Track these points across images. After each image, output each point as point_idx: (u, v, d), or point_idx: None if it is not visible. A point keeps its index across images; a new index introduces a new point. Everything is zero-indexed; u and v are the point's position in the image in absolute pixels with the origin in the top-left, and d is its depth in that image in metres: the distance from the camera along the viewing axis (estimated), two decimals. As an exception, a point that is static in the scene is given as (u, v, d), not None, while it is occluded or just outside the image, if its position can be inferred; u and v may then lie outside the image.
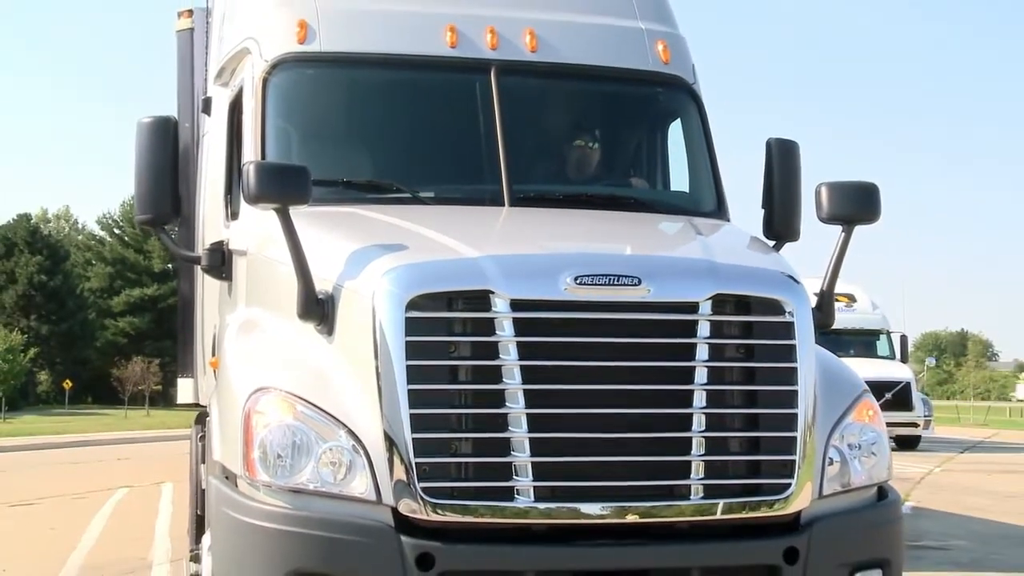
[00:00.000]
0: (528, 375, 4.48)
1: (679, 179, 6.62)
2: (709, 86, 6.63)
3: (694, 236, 5.66)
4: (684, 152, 6.53)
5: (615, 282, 4.59)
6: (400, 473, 4.43)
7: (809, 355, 4.81)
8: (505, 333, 4.49)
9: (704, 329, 4.65)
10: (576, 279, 4.55)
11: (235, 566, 4.65)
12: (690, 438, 4.61)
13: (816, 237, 6.16)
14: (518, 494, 4.47)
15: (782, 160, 6.24)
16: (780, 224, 6.20)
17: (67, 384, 54.26)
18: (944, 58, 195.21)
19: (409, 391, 4.43)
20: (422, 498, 4.41)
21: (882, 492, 5.21)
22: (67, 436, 32.60)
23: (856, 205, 5.42)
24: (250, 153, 5.79)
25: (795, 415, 4.72)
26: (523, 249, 5.05)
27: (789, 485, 4.69)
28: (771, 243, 6.09)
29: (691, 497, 4.62)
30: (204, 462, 6.41)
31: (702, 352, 4.64)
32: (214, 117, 7.02)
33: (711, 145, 6.46)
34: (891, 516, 5.16)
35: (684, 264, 5.03)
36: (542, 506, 4.49)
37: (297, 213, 4.86)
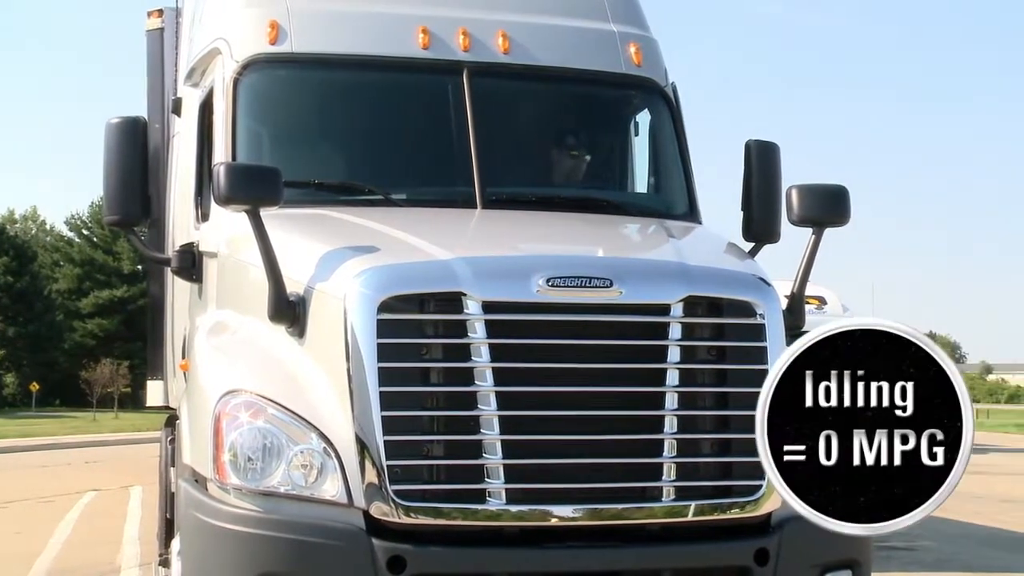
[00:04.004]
0: (500, 377, 4.49)
1: (652, 181, 6.63)
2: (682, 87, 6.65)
3: (666, 238, 5.68)
4: (657, 154, 6.55)
5: (587, 284, 4.60)
6: (372, 476, 4.42)
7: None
8: (477, 335, 4.49)
9: (676, 331, 4.68)
10: (548, 281, 4.56)
11: (205, 570, 4.63)
12: (662, 440, 4.63)
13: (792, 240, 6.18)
14: (490, 496, 4.47)
15: (761, 162, 6.22)
16: (759, 226, 6.18)
17: (34, 386, 53.60)
18: (913, 58, 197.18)
19: (380, 393, 4.43)
20: (394, 501, 4.41)
21: (852, 493, 5.24)
22: (34, 439, 32.18)
23: (826, 208, 5.46)
24: (221, 154, 5.74)
25: (766, 417, 4.74)
26: (495, 251, 5.06)
27: (760, 487, 4.71)
28: (750, 245, 6.11)
29: (662, 499, 4.64)
30: (174, 465, 6.37)
31: (673, 354, 4.67)
32: (184, 118, 6.97)
33: (684, 147, 6.46)
34: (861, 517, 5.18)
35: (656, 266, 5.06)
36: (514, 508, 4.49)
37: (268, 215, 4.84)
